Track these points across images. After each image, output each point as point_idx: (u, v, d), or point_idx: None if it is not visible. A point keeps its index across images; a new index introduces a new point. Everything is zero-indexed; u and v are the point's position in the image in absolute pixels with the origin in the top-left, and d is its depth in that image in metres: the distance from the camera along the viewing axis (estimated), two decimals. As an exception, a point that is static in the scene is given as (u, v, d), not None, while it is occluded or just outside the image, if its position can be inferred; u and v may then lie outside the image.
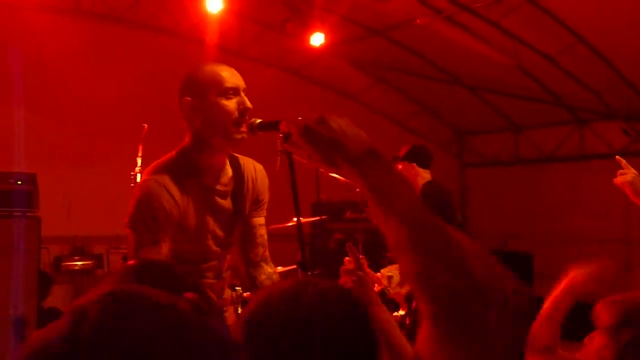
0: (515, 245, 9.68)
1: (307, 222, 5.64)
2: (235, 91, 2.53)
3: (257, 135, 2.53)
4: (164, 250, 2.47)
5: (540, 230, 9.21)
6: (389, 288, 2.64)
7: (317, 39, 7.30)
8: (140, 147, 4.74)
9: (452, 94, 9.33)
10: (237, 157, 2.74)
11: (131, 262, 1.51)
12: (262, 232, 2.84)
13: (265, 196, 2.84)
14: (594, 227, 8.72)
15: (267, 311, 1.20)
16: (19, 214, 5.40)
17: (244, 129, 2.51)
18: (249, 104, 2.53)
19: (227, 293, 2.80)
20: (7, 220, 5.20)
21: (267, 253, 2.86)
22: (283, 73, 8.57)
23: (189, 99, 2.54)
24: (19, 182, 5.49)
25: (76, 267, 7.32)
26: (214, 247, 2.65)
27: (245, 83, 2.62)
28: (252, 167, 2.79)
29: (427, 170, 5.37)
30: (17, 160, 5.67)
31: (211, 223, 2.62)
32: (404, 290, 2.76)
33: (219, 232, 2.65)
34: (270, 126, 2.52)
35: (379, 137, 7.49)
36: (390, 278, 2.64)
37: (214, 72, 2.54)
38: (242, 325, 1.21)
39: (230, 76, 2.54)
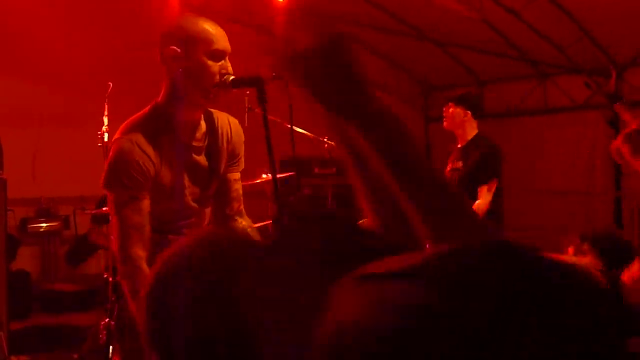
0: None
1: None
2: (222, 54, 2.53)
3: (228, 92, 2.54)
4: (145, 206, 2.49)
5: (504, 183, 9.32)
6: None
7: (281, -6, 7.23)
8: (106, 106, 4.69)
9: (418, 48, 9.32)
10: (211, 112, 2.74)
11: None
12: (237, 186, 2.86)
13: (241, 151, 2.85)
14: (558, 180, 8.85)
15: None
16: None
17: (220, 92, 2.53)
18: (231, 69, 2.54)
19: None
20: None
21: (241, 207, 2.87)
22: (248, 29, 8.47)
23: (175, 48, 2.52)
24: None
25: (42, 229, 7.26)
26: (192, 204, 2.65)
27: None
28: (227, 122, 2.79)
29: (476, 122, 5.29)
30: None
31: (187, 179, 2.62)
32: None
33: (196, 188, 2.66)
34: (242, 83, 2.53)
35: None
36: None
37: (206, 30, 2.52)
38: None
39: (220, 38, 2.54)
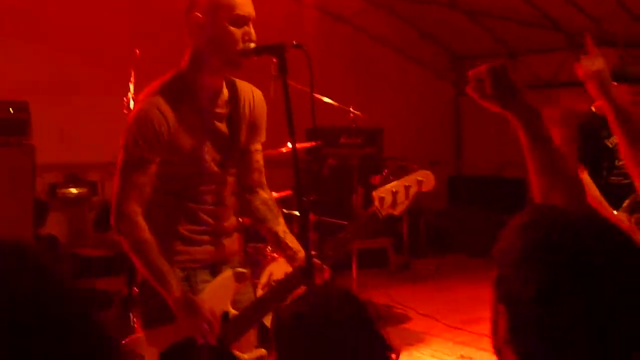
0: (510, 172, 9.73)
1: (301, 147, 5.63)
2: (245, 20, 2.53)
3: (251, 60, 2.53)
4: (151, 169, 2.52)
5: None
6: (381, 209, 2.67)
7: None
8: (133, 73, 4.69)
9: (448, 18, 9.20)
10: (234, 80, 2.74)
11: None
12: (259, 157, 2.87)
13: (263, 122, 2.85)
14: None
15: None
16: (12, 142, 5.39)
17: (245, 55, 2.53)
18: (254, 36, 2.54)
19: (232, 220, 2.82)
20: (1, 148, 5.21)
21: (263, 179, 2.89)
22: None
23: (199, 15, 2.53)
24: (12, 110, 5.47)
25: (71, 195, 7.33)
26: (212, 169, 2.66)
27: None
28: (250, 92, 2.79)
29: None
30: (9, 89, 5.62)
31: (207, 145, 2.63)
32: (397, 211, 2.77)
33: (217, 155, 2.67)
34: (265, 50, 2.52)
35: (373, 62, 7.52)
36: (382, 199, 2.65)
37: None
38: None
39: (243, 3, 2.54)
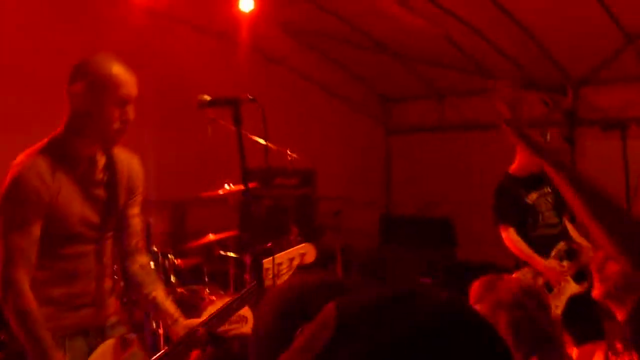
0: (437, 212, 9.94)
1: (237, 189, 5.67)
2: (127, 100, 2.57)
3: (204, 111, 2.61)
4: (34, 231, 2.50)
5: (460, 196, 9.46)
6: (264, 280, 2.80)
7: (246, 4, 7.26)
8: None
9: (380, 62, 9.42)
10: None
11: None
12: (136, 222, 2.87)
13: (140, 187, 2.87)
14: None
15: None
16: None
17: (120, 136, 2.59)
18: (132, 116, 2.58)
19: (109, 283, 2.79)
20: None
21: (141, 243, 2.89)
22: (211, 37, 8.48)
23: (83, 86, 2.54)
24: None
25: None
26: (90, 232, 2.65)
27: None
28: (127, 159, 2.83)
29: None
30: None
31: (85, 209, 2.63)
32: (280, 282, 2.93)
33: (93, 219, 2.66)
34: (219, 102, 2.60)
35: (306, 103, 7.60)
36: (266, 270, 2.78)
37: (115, 75, 2.56)
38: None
39: (128, 83, 2.57)
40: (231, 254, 5.77)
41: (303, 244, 2.96)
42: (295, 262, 2.93)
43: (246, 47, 8.66)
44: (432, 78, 9.75)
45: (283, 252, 2.88)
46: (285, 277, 2.92)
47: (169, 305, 2.78)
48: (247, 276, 5.77)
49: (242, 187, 5.65)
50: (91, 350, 2.64)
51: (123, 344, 2.68)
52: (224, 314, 2.70)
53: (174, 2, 7.62)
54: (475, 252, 8.97)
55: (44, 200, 2.49)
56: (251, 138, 4.20)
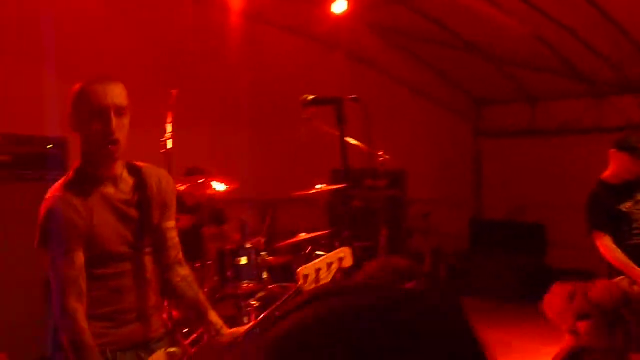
0: (528, 216, 9.79)
1: (328, 189, 5.75)
2: (100, 112, 2.58)
3: (310, 110, 2.69)
4: (78, 259, 2.59)
5: (553, 201, 9.29)
6: (304, 285, 2.83)
7: (339, 6, 7.37)
8: (170, 114, 4.82)
9: (470, 62, 9.35)
10: (138, 166, 2.84)
11: None
12: (173, 235, 2.92)
13: (173, 200, 2.93)
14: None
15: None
16: (50, 178, 5.49)
17: (112, 146, 2.59)
18: (113, 124, 2.58)
19: (154, 299, 2.86)
20: (38, 183, 5.32)
21: (180, 255, 2.93)
22: (304, 39, 8.62)
23: (69, 112, 2.65)
24: (50, 146, 5.60)
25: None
26: (126, 250, 2.73)
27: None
28: (156, 175, 2.88)
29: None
30: (48, 125, 5.77)
31: (120, 229, 2.71)
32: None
33: (130, 237, 2.74)
34: (322, 101, 2.69)
35: (395, 103, 7.64)
36: (306, 277, 2.81)
37: (86, 90, 2.62)
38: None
39: (97, 96, 2.60)
40: (321, 253, 5.86)
41: (341, 248, 3.01)
42: (334, 267, 2.95)
43: (337, 49, 8.76)
44: (523, 80, 9.61)
45: (321, 258, 2.94)
46: (325, 282, 2.95)
47: (212, 315, 2.85)
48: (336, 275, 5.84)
49: (333, 187, 5.76)
50: None
51: (170, 357, 2.78)
52: (268, 321, 2.78)
53: (267, 4, 7.79)
54: (566, 259, 8.80)
55: (80, 228, 2.58)
56: (344, 139, 4.26)
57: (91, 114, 2.57)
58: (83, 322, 2.56)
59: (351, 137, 4.90)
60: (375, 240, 6.07)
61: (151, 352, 2.80)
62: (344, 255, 2.98)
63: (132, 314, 2.75)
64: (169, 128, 4.75)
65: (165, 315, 3.63)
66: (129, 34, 7.22)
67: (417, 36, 8.89)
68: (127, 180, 2.76)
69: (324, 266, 2.89)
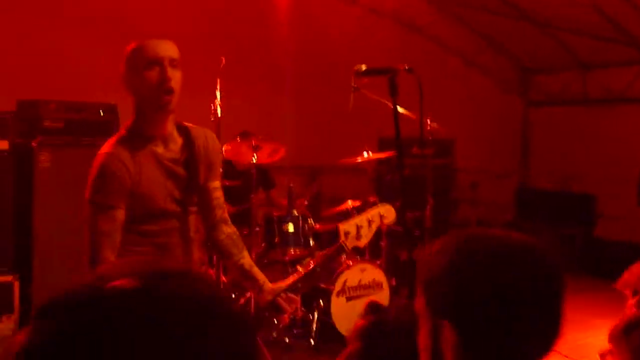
0: (577, 187, 9.66)
1: (375, 157, 5.75)
2: (155, 61, 2.64)
3: (362, 80, 2.71)
4: (119, 215, 2.66)
5: (603, 172, 9.14)
6: (346, 242, 2.83)
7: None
8: (219, 80, 4.87)
9: (519, 30, 9.18)
10: (186, 126, 2.89)
11: None
12: (218, 194, 2.98)
13: (218, 161, 2.99)
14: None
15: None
16: (101, 144, 5.59)
17: (167, 95, 2.64)
18: (169, 73, 2.64)
19: (198, 255, 2.94)
20: (89, 149, 5.43)
21: (225, 214, 2.99)
22: (353, 7, 8.57)
23: (123, 69, 2.70)
24: (101, 112, 5.70)
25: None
26: (174, 207, 2.80)
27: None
28: (203, 135, 2.93)
29: None
30: (100, 91, 5.86)
31: (168, 186, 2.78)
32: (362, 243, 2.98)
33: (176, 194, 2.80)
34: (375, 72, 2.70)
35: (444, 72, 7.58)
36: (347, 233, 2.82)
37: (139, 45, 2.68)
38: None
39: (152, 48, 2.66)
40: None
41: (382, 205, 3.00)
42: (375, 225, 2.97)
43: (388, 17, 8.69)
44: (575, 47, 9.41)
45: (362, 214, 2.94)
46: (365, 240, 2.97)
47: (255, 271, 2.92)
48: (382, 243, 5.88)
49: (380, 155, 5.76)
50: None
51: None
52: (309, 277, 2.81)
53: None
54: (615, 230, 8.69)
55: (126, 185, 2.64)
56: (386, 104, 4.25)
57: (147, 65, 2.63)
58: None
59: (400, 105, 4.87)
60: (422, 210, 6.07)
61: None
62: (384, 212, 2.99)
63: None
64: (218, 94, 4.79)
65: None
66: (179, 3, 7.27)
67: (468, 3, 8.76)
68: (176, 140, 2.81)
69: (365, 223, 2.91)
